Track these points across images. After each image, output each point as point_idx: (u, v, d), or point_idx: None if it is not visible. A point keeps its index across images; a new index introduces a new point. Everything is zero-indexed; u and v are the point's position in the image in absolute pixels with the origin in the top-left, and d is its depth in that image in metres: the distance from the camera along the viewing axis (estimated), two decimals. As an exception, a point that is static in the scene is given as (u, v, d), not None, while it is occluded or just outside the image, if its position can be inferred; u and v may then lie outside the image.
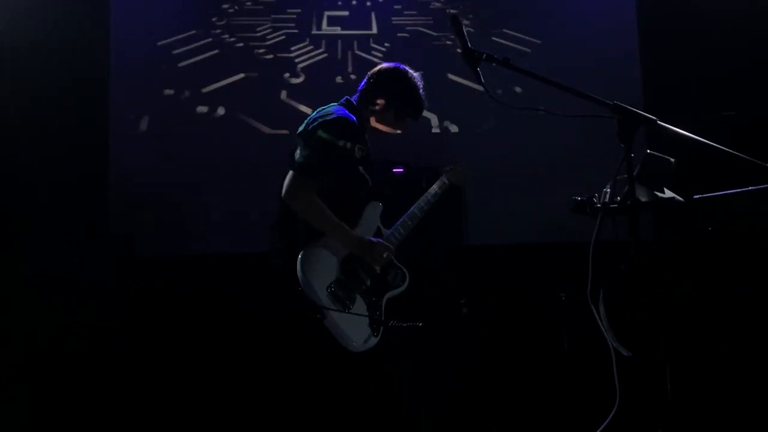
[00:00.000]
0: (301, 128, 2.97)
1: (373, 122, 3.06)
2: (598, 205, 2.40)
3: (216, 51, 5.18)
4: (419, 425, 3.16)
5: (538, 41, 5.32)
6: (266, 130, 5.12)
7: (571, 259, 2.73)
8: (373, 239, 2.92)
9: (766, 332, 3.32)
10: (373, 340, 2.81)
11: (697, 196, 2.68)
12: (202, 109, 5.11)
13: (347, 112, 2.97)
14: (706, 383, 3.41)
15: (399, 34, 5.30)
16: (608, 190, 2.39)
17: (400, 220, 3.07)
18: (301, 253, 2.75)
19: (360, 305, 2.83)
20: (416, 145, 4.41)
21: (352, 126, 2.93)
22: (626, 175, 2.19)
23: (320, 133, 2.84)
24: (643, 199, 2.40)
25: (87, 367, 4.02)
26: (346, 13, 5.30)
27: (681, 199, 2.47)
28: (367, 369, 2.83)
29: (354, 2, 5.29)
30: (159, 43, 5.14)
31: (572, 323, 3.91)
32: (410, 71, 3.08)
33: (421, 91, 3.06)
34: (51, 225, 4.43)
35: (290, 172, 2.85)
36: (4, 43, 4.71)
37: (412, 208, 3.12)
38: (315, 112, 3.01)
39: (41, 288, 4.05)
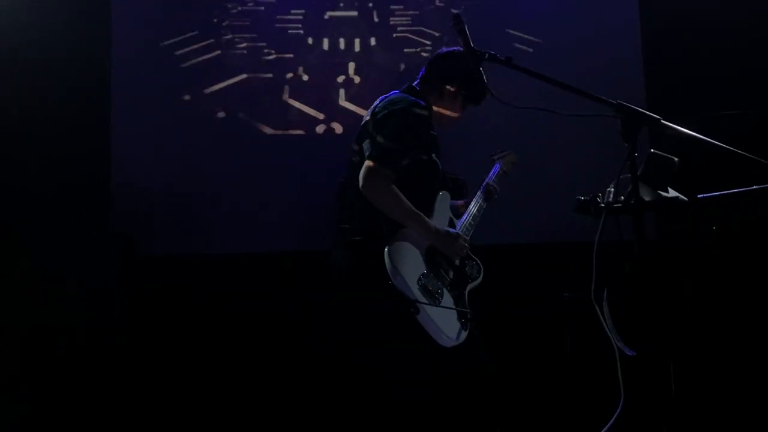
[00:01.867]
0: (366, 118, 2.90)
1: (437, 108, 2.98)
2: (602, 205, 2.40)
3: (218, 51, 5.17)
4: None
5: (540, 41, 5.31)
6: (268, 130, 5.11)
7: (575, 258, 2.73)
8: (453, 231, 2.87)
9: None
10: (464, 334, 2.73)
11: (701, 196, 2.67)
12: (203, 109, 5.11)
13: (415, 98, 2.90)
14: (711, 382, 3.41)
15: (401, 34, 5.30)
16: (612, 189, 2.38)
17: (468, 211, 3.04)
18: (387, 246, 2.64)
19: (447, 299, 2.74)
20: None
21: (424, 112, 2.86)
22: (630, 175, 2.19)
23: (394, 120, 2.77)
24: (647, 198, 2.40)
25: (88, 368, 4.02)
26: (348, 13, 5.30)
27: (685, 198, 2.47)
28: (457, 364, 2.75)
29: (356, 2, 5.29)
30: (161, 43, 5.13)
31: (576, 323, 3.91)
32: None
33: (483, 74, 3.01)
34: (52, 225, 4.43)
35: (365, 164, 2.73)
36: (5, 44, 4.71)
37: (476, 198, 3.11)
38: (379, 101, 2.94)
39: (42, 288, 4.05)
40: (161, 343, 4.43)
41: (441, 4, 5.35)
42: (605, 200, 2.40)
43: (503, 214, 4.96)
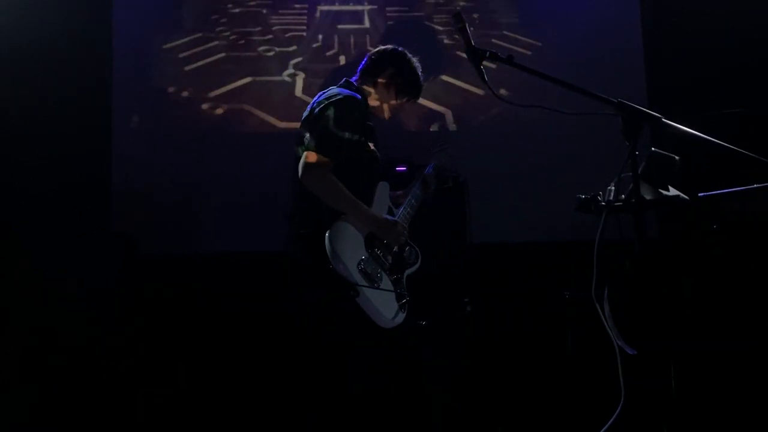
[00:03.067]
0: (305, 114, 2.99)
1: (373, 100, 3.09)
2: (603, 204, 2.40)
3: (218, 50, 5.18)
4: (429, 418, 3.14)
5: (542, 39, 5.32)
6: (269, 129, 5.12)
7: (576, 257, 2.73)
8: (391, 218, 2.97)
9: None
10: (401, 316, 2.85)
11: (702, 194, 2.67)
12: (204, 107, 5.11)
13: (351, 91, 3.00)
14: (712, 381, 3.40)
15: (401, 31, 5.30)
16: (613, 188, 2.38)
17: (406, 201, 3.13)
18: (328, 232, 2.74)
19: (386, 282, 2.86)
20: (417, 144, 4.42)
21: (359, 104, 2.96)
22: (631, 173, 2.18)
23: (329, 112, 2.86)
24: (648, 197, 2.39)
25: (89, 367, 4.02)
26: (347, 8, 5.30)
27: (686, 197, 2.46)
28: (397, 346, 2.85)
29: (358, 1, 5.29)
30: (161, 43, 5.14)
31: (577, 321, 3.91)
32: (409, 53, 3.14)
33: (420, 71, 3.13)
34: (54, 224, 4.44)
35: (304, 154, 2.84)
36: (7, 43, 4.72)
37: (413, 189, 3.19)
38: (317, 96, 3.03)
39: (43, 287, 4.06)
40: (162, 343, 4.43)
41: (442, 2, 5.36)
42: (606, 199, 2.39)
43: (503, 214, 4.99)
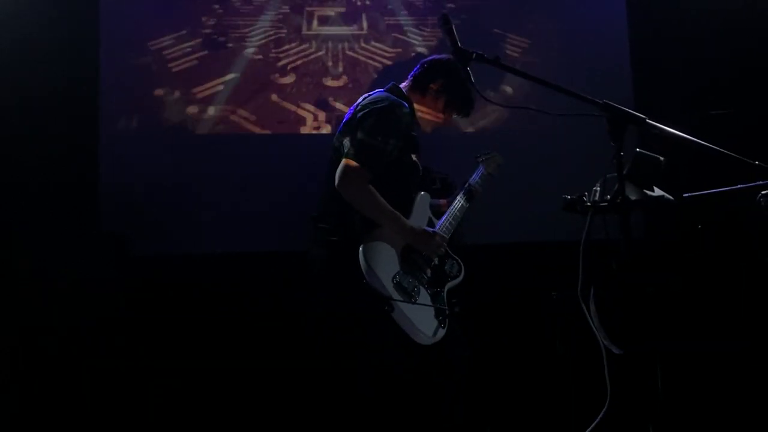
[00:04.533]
0: (347, 117, 2.89)
1: (419, 110, 2.98)
2: (589, 204, 2.41)
3: (206, 51, 5.17)
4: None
5: (528, 41, 5.33)
6: (257, 130, 5.11)
7: (562, 257, 2.74)
8: (429, 230, 2.86)
9: (755, 329, 3.34)
10: (441, 332, 2.73)
11: (687, 195, 2.69)
12: (192, 108, 5.10)
13: (397, 97, 2.89)
14: (697, 381, 3.43)
15: (391, 34, 5.30)
16: (598, 188, 2.39)
17: (449, 211, 3.03)
18: (362, 246, 2.65)
19: (424, 296, 2.75)
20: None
21: (405, 112, 2.85)
22: (616, 174, 2.20)
23: (373, 119, 2.75)
24: (633, 197, 2.41)
25: (80, 367, 4.01)
26: (336, 11, 5.30)
27: (670, 197, 2.48)
28: (433, 361, 2.76)
29: (349, 3, 5.29)
30: (149, 42, 5.12)
31: (563, 322, 3.92)
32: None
33: (472, 86, 3.02)
34: (43, 225, 4.42)
35: (342, 162, 2.73)
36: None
37: (457, 199, 3.10)
38: (361, 98, 2.93)
39: (34, 288, 4.04)
40: (152, 344, 4.42)
41: (431, 5, 5.37)
42: (591, 199, 2.41)
43: (489, 214, 4.98)
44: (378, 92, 2.95)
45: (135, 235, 4.69)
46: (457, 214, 3.05)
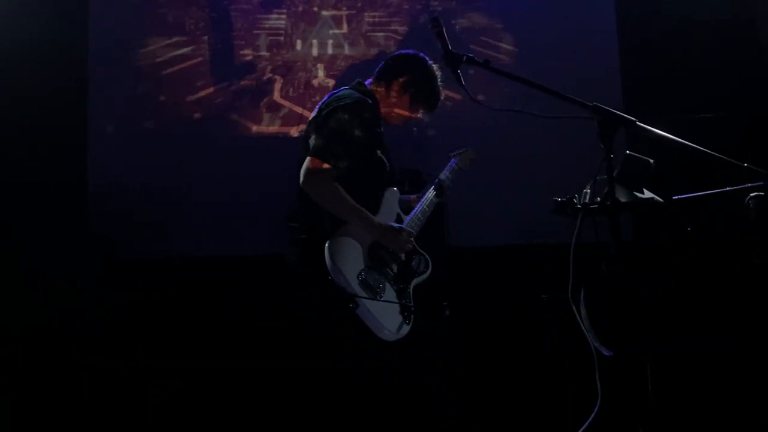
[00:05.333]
0: (314, 114, 2.88)
1: (385, 106, 2.97)
2: (579, 206, 2.42)
3: (196, 54, 5.16)
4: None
5: (519, 44, 5.34)
6: (247, 132, 5.10)
7: (552, 259, 2.74)
8: (396, 225, 2.85)
9: (745, 330, 3.36)
10: (406, 328, 2.73)
11: (676, 197, 2.70)
12: (181, 111, 5.08)
13: (361, 94, 2.89)
14: (687, 382, 3.44)
15: (378, 38, 5.31)
16: (588, 190, 2.40)
17: (418, 206, 3.01)
18: (327, 242, 2.65)
19: (390, 293, 2.74)
20: (395, 148, 4.42)
21: (369, 108, 2.85)
22: (606, 176, 2.20)
23: (337, 116, 2.75)
24: (623, 199, 2.42)
25: (68, 370, 3.99)
26: (326, 13, 5.30)
27: (660, 199, 2.49)
28: (398, 358, 2.77)
29: (335, 5, 5.29)
30: (137, 45, 5.11)
31: (553, 324, 3.92)
32: (429, 60, 3.01)
33: (438, 81, 3.00)
34: (31, 227, 4.40)
35: (306, 159, 2.73)
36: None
37: (426, 194, 3.08)
38: (327, 96, 2.92)
39: (23, 291, 4.02)
40: (141, 347, 4.40)
41: (420, 7, 5.37)
42: (582, 201, 2.42)
43: (480, 217, 5.00)
44: (342, 89, 2.94)
45: (123, 237, 4.67)
46: (426, 209, 3.03)
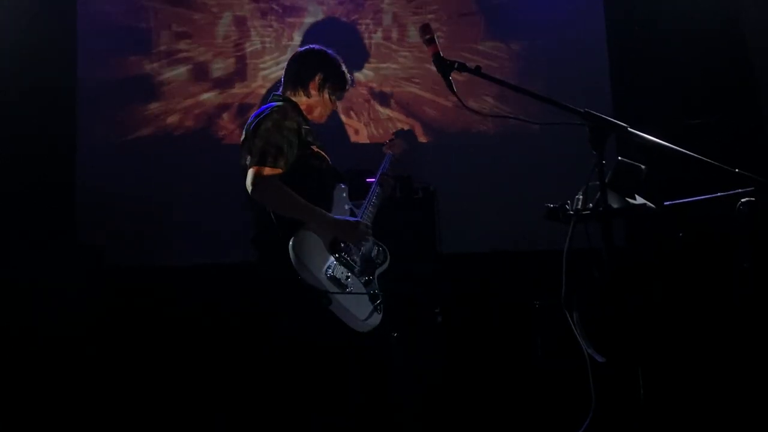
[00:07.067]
0: (242, 138, 2.94)
1: (305, 105, 3.02)
2: (571, 212, 2.41)
3: (185, 62, 5.16)
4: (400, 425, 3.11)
5: (509, 51, 5.36)
6: (236, 140, 5.08)
7: (545, 266, 2.74)
8: (353, 219, 2.90)
9: (736, 335, 3.36)
10: (377, 317, 2.80)
11: (668, 203, 2.70)
12: (170, 120, 5.08)
13: (275, 102, 2.96)
14: (680, 388, 3.44)
15: (373, 45, 5.32)
16: (580, 197, 2.39)
17: (367, 198, 3.07)
18: (291, 241, 2.68)
19: (357, 284, 2.81)
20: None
21: (290, 108, 2.91)
22: (598, 182, 2.20)
23: (262, 126, 2.80)
24: (615, 205, 2.41)
25: (55, 377, 3.98)
26: (311, 21, 5.31)
27: (652, 205, 2.49)
28: (372, 351, 2.81)
29: (326, 14, 5.30)
30: (126, 54, 5.10)
31: (546, 330, 3.93)
32: (327, 50, 3.08)
33: (342, 62, 3.07)
34: (19, 235, 4.39)
35: (248, 172, 2.77)
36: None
37: (373, 187, 3.13)
38: (250, 119, 2.98)
39: (10, 298, 4.01)
40: (127, 355, 4.39)
41: (410, 15, 5.39)
42: (574, 207, 2.41)
43: (473, 223, 5.01)
44: (261, 109, 3.00)
45: (111, 245, 4.66)
46: (375, 201, 3.09)
